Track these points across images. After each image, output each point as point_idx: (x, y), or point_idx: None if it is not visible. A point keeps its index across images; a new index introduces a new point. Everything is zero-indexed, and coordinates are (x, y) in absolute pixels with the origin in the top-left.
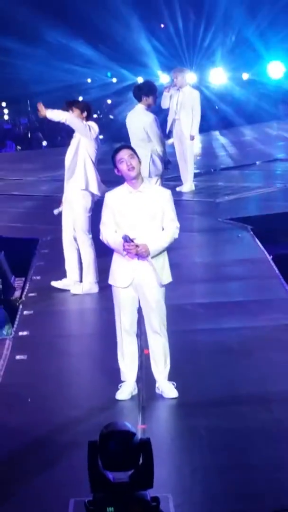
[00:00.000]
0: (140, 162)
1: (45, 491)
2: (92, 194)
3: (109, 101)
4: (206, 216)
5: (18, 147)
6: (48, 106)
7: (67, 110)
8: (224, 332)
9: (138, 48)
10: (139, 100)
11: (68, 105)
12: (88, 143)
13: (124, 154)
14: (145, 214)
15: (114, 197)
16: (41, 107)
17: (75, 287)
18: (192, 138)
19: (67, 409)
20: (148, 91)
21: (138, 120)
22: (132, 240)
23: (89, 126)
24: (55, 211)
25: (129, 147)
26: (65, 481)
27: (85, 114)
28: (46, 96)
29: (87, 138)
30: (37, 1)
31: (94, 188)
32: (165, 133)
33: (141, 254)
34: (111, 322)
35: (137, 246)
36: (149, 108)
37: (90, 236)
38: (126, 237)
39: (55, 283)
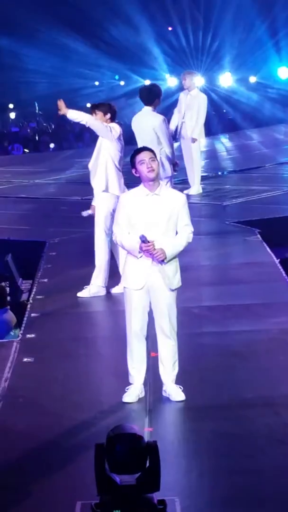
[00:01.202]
0: (159, 165)
1: (52, 493)
2: (116, 197)
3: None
4: (214, 219)
5: (26, 150)
6: (55, 109)
7: (91, 113)
8: (231, 335)
9: (146, 51)
10: (151, 102)
11: (91, 108)
12: (110, 144)
13: (145, 155)
14: (160, 217)
15: (130, 199)
16: (61, 104)
17: (83, 290)
18: (193, 140)
19: (74, 412)
20: (160, 94)
21: (147, 121)
22: (149, 241)
23: (110, 127)
24: (84, 213)
25: (150, 149)
26: (72, 484)
27: (108, 116)
28: (53, 99)
29: (108, 140)
30: (45, 5)
31: (115, 189)
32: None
33: (158, 257)
34: (118, 325)
35: (154, 246)
36: (155, 110)
37: (109, 239)
38: (143, 237)
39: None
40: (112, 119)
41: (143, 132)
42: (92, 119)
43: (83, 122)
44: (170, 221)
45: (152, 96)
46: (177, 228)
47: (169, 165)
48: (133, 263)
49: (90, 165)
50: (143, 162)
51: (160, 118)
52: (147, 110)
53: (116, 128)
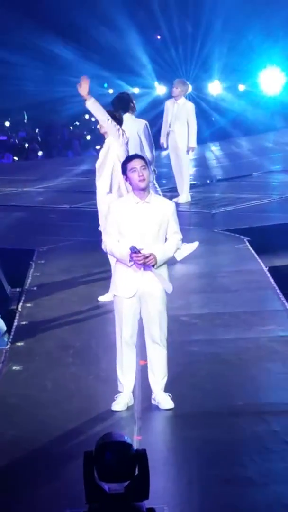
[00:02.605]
0: (150, 174)
1: (41, 502)
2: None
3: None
4: (203, 227)
5: (15, 158)
6: (48, 116)
7: None
8: (220, 343)
9: (134, 59)
10: (127, 108)
11: None
12: (119, 148)
13: (137, 163)
14: (150, 225)
15: (120, 207)
16: (85, 82)
17: (104, 295)
18: (191, 149)
19: (63, 420)
20: (131, 98)
21: (131, 127)
22: (139, 251)
23: (122, 131)
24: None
25: (142, 157)
26: (61, 492)
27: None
28: (42, 107)
29: (118, 143)
30: (32, 13)
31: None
32: (157, 144)
33: (148, 262)
34: (107, 333)
35: (145, 256)
36: (133, 114)
37: None
38: (133, 248)
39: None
40: (119, 125)
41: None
42: (107, 119)
43: (98, 118)
44: (160, 229)
45: (124, 102)
46: (166, 235)
47: (151, 170)
48: (123, 271)
49: (97, 165)
50: (135, 170)
51: (143, 122)
52: (128, 116)
53: (126, 134)
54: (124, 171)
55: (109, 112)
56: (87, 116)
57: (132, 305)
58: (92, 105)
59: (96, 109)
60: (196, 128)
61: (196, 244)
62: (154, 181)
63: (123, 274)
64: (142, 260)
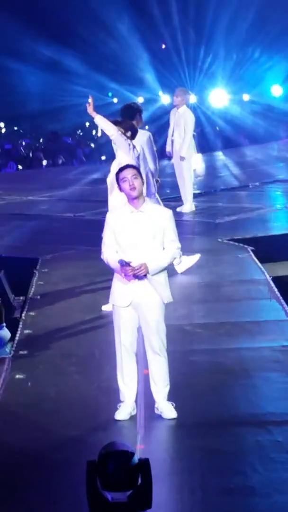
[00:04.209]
0: (143, 182)
1: (44, 510)
2: None
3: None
4: (206, 236)
5: (19, 167)
6: (51, 125)
7: None
8: (223, 353)
9: (139, 69)
10: (133, 118)
11: (113, 124)
12: (130, 161)
13: (127, 173)
14: (145, 234)
15: (115, 217)
16: (91, 104)
17: (107, 304)
18: (182, 159)
19: (66, 429)
20: (140, 109)
21: (136, 138)
22: (128, 264)
23: (133, 145)
24: None
25: (134, 167)
26: (64, 501)
27: (129, 134)
28: (47, 116)
29: (128, 157)
30: (37, 23)
31: None
32: (164, 154)
33: (139, 273)
34: (109, 342)
35: (134, 268)
36: (138, 126)
37: None
38: (122, 261)
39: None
40: (132, 137)
41: None
42: (118, 134)
43: (108, 134)
44: (155, 238)
45: (131, 112)
46: (163, 244)
47: (154, 182)
48: (120, 280)
49: (108, 180)
50: (125, 180)
51: (146, 134)
52: None
53: (137, 147)
54: (117, 181)
55: (125, 122)
56: (87, 124)
57: (129, 314)
58: (99, 120)
59: (104, 124)
60: (189, 137)
61: (197, 256)
62: (156, 193)
63: (119, 283)
64: (131, 272)
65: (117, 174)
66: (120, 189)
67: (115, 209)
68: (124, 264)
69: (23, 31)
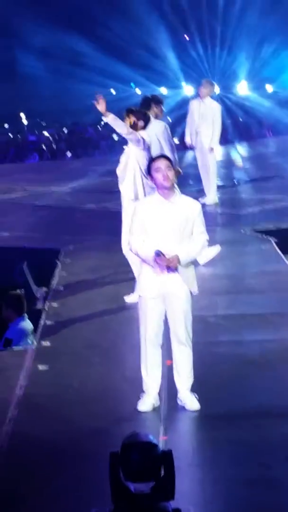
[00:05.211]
0: (176, 174)
1: (67, 501)
2: None
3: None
4: (229, 228)
5: (42, 158)
6: (76, 116)
7: (126, 117)
8: (246, 344)
9: (162, 59)
10: (148, 108)
11: (126, 112)
12: (140, 153)
13: (162, 163)
14: (174, 225)
15: (145, 207)
16: (102, 102)
17: (130, 295)
18: (211, 150)
19: (89, 420)
20: (157, 100)
21: (149, 129)
22: (164, 255)
23: (143, 138)
24: None
25: (167, 158)
26: (87, 492)
27: (141, 123)
28: (71, 108)
29: (138, 150)
30: (61, 15)
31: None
32: (184, 144)
33: (171, 265)
34: (133, 333)
35: (168, 259)
36: (157, 118)
37: None
38: (158, 252)
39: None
40: (145, 127)
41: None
42: (130, 132)
43: (120, 132)
44: (185, 230)
45: (149, 101)
46: (192, 236)
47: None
48: (148, 271)
49: (118, 171)
50: (159, 170)
51: (162, 124)
52: None
53: (146, 139)
54: (149, 170)
55: (138, 111)
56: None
57: (156, 305)
58: (111, 121)
59: (115, 124)
60: (220, 128)
61: (217, 248)
62: (175, 184)
63: (148, 274)
64: (165, 263)
65: (150, 163)
66: (152, 178)
67: (128, 201)
68: (160, 254)
69: (45, 25)
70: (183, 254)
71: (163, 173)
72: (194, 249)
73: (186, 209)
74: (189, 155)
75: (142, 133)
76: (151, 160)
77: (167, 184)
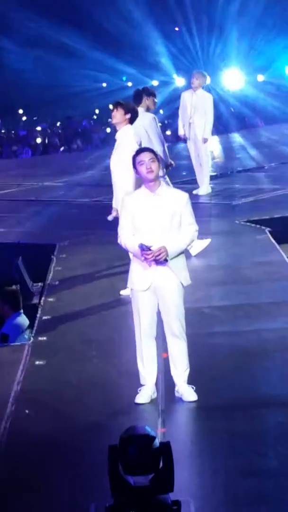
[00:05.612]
0: (159, 166)
1: (66, 495)
2: None
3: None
4: (223, 218)
5: (35, 153)
6: (67, 112)
7: (114, 109)
8: (242, 335)
9: (153, 52)
10: (140, 101)
11: (113, 105)
12: (133, 148)
13: (145, 156)
14: (162, 217)
15: (132, 200)
16: None
17: (126, 288)
18: (204, 141)
19: (87, 414)
20: (148, 93)
21: (138, 121)
22: (149, 248)
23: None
24: (109, 217)
25: (151, 150)
26: (86, 486)
27: (128, 116)
28: (62, 101)
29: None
30: (52, 8)
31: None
32: (177, 136)
33: (159, 257)
34: (129, 327)
35: (154, 252)
36: (148, 110)
37: None
38: (142, 246)
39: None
40: (131, 121)
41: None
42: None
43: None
44: (172, 221)
45: (141, 93)
46: (181, 227)
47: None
48: (138, 264)
49: (112, 166)
50: (143, 163)
51: (149, 116)
52: (139, 110)
53: (134, 133)
54: (134, 164)
55: (127, 103)
56: (97, 111)
57: (148, 298)
58: None
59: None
60: (212, 119)
61: (208, 240)
62: (166, 176)
63: (138, 267)
64: (151, 256)
65: (134, 157)
66: (137, 172)
67: (131, 193)
68: (144, 248)
69: (37, 19)
70: (171, 246)
71: (147, 166)
72: (182, 240)
73: (173, 201)
74: (181, 146)
75: (128, 128)
76: (135, 153)
77: (151, 176)
